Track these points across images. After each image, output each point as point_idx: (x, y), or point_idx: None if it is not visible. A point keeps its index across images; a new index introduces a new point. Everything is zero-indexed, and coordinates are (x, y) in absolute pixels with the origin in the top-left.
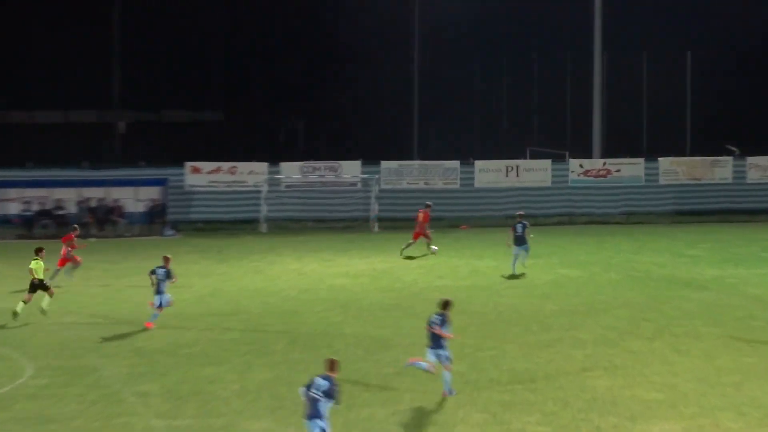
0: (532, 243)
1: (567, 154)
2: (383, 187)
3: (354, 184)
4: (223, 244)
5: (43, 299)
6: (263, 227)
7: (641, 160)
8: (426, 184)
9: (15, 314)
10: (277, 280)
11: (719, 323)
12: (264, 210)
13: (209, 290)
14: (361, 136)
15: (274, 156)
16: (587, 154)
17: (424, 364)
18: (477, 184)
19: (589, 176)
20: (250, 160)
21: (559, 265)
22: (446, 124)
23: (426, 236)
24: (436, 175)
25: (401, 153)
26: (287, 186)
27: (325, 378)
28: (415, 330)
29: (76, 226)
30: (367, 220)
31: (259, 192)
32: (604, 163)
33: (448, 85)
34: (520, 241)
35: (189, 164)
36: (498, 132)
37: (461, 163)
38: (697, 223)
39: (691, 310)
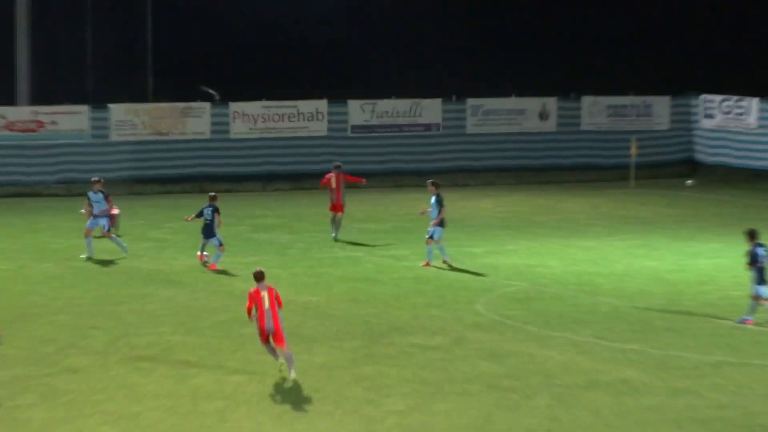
0: None
1: None
2: None
3: None
4: None
5: None
6: None
7: (106, 108)
8: None
9: None
10: None
11: (194, 330)
12: None
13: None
14: None
15: None
16: (12, 99)
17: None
18: None
19: (14, 130)
20: None
21: None
22: None
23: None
24: None
25: None
26: None
27: None
28: None
29: None
30: None
31: None
32: (34, 113)
33: None
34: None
35: None
36: None
37: None
38: (167, 194)
39: (156, 314)
